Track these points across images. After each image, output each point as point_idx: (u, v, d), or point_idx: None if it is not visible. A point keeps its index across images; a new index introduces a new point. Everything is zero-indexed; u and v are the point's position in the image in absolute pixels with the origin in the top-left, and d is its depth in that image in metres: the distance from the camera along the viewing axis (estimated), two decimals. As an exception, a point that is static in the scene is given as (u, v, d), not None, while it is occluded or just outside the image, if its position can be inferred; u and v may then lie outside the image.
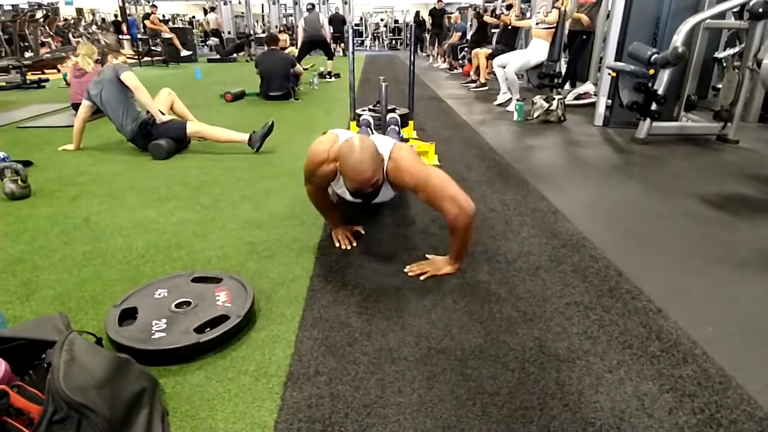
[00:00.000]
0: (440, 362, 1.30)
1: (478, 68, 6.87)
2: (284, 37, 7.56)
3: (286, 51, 7.11)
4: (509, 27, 6.30)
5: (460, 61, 9.05)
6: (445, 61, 10.23)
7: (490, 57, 6.33)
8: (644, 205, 2.50)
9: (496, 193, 2.61)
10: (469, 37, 8.82)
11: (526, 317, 1.50)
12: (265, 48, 6.14)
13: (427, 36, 14.17)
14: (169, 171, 3.02)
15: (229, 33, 12.78)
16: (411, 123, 3.55)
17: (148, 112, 3.34)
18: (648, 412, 1.13)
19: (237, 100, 5.76)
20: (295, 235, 2.07)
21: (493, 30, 7.42)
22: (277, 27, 13.28)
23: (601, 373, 1.26)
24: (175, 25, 14.00)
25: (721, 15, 3.75)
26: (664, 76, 3.50)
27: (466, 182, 2.76)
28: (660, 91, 3.50)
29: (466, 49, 8.55)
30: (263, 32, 13.49)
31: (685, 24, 3.38)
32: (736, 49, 3.83)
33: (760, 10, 3.29)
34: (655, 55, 3.44)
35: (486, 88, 6.63)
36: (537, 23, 4.93)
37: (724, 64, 4.16)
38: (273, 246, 1.98)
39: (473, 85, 6.91)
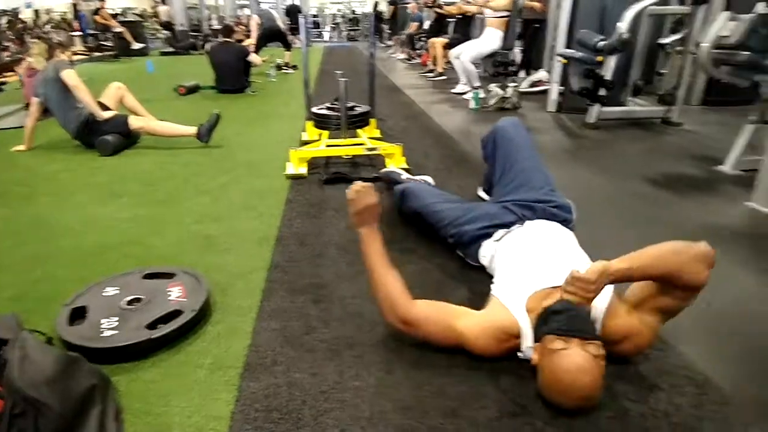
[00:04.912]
0: (398, 347, 1.32)
1: (435, 58, 6.91)
2: (240, 29, 7.39)
3: (243, 43, 6.96)
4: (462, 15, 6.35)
5: (418, 51, 9.08)
6: (402, 51, 10.24)
7: (447, 46, 6.38)
8: (594, 186, 2.60)
9: (453, 179, 2.65)
10: (426, 27, 8.85)
11: (482, 297, 1.54)
12: (219, 39, 6.00)
13: (386, 27, 14.14)
14: (123, 167, 2.94)
15: (182, 25, 12.38)
16: (373, 121, 3.43)
17: None
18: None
19: (191, 93, 5.61)
20: (253, 228, 2.05)
21: (449, 20, 7.47)
22: (232, 18, 12.95)
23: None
24: (127, 19, 13.44)
25: (665, 1, 3.91)
26: (611, 62, 3.62)
27: (424, 170, 2.78)
28: (607, 77, 3.63)
29: (423, 38, 8.58)
30: (214, 27, 13.13)
31: (630, 11, 3.51)
32: (679, 35, 4.01)
33: (701, -5, 3.45)
34: (602, 42, 3.56)
35: (444, 77, 6.68)
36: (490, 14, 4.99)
37: (668, 50, 4.34)
38: (230, 239, 1.95)
39: (431, 74, 6.95)
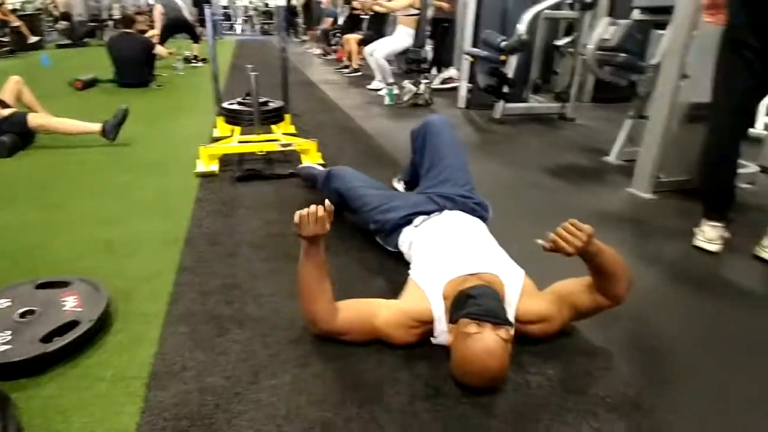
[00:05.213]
0: (315, 341, 1.32)
1: (350, 54, 6.93)
2: (142, 19, 6.93)
3: (147, 35, 6.53)
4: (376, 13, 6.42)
5: (333, 47, 9.05)
6: (318, 47, 10.16)
7: (362, 43, 6.43)
8: (500, 178, 2.77)
9: (368, 173, 2.65)
10: (340, 22, 8.84)
11: (399, 287, 1.58)
12: (119, 30, 5.60)
13: (300, 21, 13.92)
14: (15, 169, 2.69)
15: (80, 15, 11.36)
16: (287, 117, 3.32)
17: None
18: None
19: (88, 87, 5.17)
20: (159, 229, 1.95)
21: (363, 16, 7.52)
22: (135, 6, 12.08)
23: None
24: (26, 12, 12.06)
25: (558, 6, 4.23)
26: (513, 61, 3.86)
27: (340, 165, 2.80)
28: (510, 75, 3.87)
29: (338, 34, 8.57)
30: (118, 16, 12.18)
31: (527, 14, 3.76)
32: (570, 38, 4.36)
33: (588, 0, 3.78)
34: (504, 42, 3.78)
35: (359, 73, 6.73)
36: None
37: (562, 51, 4.70)
38: (133, 242, 1.84)
39: (346, 70, 6.97)
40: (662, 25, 2.73)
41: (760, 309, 1.59)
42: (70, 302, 1.37)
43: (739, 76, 1.78)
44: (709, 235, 1.91)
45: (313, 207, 1.23)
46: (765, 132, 3.04)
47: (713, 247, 1.90)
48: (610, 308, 1.30)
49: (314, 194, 2.33)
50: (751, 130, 3.02)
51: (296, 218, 1.22)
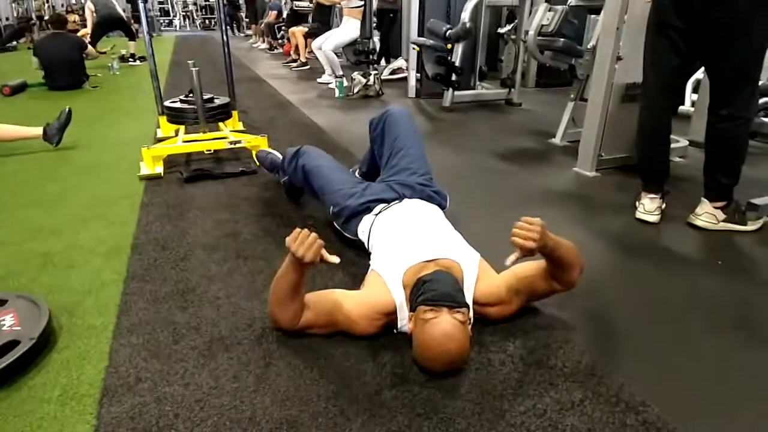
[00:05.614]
0: (277, 338, 1.30)
1: (297, 47, 6.81)
2: (73, 18, 6.54)
3: (79, 34, 6.17)
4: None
5: (280, 41, 8.87)
6: (264, 41, 9.92)
7: (309, 36, 6.33)
8: (453, 164, 2.81)
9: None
10: (285, 15, 8.66)
11: (357, 279, 1.57)
12: (49, 31, 5.27)
13: (243, 15, 13.51)
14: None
15: (7, 19, 10.58)
16: (235, 114, 3.23)
17: None
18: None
19: (17, 93, 4.85)
20: (102, 238, 1.85)
21: (305, 9, 7.39)
22: (63, 6, 11.36)
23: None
24: None
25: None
26: (459, 49, 3.91)
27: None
28: (457, 63, 3.92)
29: (283, 28, 8.39)
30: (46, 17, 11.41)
31: (470, 2, 3.81)
32: (512, 25, 4.46)
33: (524, -13, 3.88)
34: (449, 31, 3.82)
35: (307, 67, 6.62)
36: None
37: (506, 38, 4.81)
38: (74, 253, 1.74)
39: (294, 64, 6.84)
40: (596, 10, 2.84)
41: (695, 274, 1.70)
42: (8, 321, 1.28)
43: (665, 56, 1.88)
44: (648, 207, 2.02)
45: (314, 235, 1.18)
46: (693, 109, 3.22)
47: (652, 218, 2.01)
48: (563, 291, 1.35)
49: (270, 191, 2.30)
50: (681, 107, 3.22)
51: (294, 233, 1.18)
